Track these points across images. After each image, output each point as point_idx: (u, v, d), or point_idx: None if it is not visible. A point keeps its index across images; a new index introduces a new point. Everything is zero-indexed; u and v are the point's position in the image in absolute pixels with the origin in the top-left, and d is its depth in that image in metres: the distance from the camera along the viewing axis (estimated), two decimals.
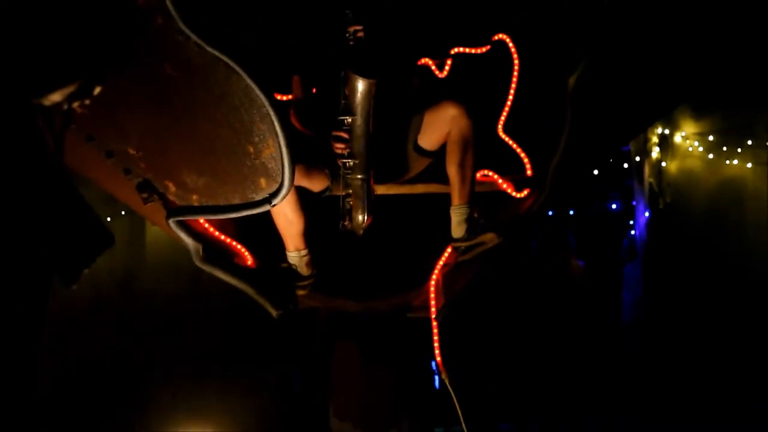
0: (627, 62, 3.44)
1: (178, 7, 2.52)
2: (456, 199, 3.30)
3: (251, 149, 2.69)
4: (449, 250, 3.45)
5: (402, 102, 3.39)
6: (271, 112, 2.61)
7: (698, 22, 3.50)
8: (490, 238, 3.29)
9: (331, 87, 3.16)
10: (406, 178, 3.47)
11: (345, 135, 3.11)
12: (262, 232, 3.30)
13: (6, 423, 2.21)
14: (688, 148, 6.55)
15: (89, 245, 2.59)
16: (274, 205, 2.79)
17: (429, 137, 3.33)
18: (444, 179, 3.33)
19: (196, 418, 4.82)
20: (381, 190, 3.37)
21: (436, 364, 3.40)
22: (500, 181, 3.51)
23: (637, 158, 6.62)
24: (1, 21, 2.13)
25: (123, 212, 5.52)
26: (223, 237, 3.24)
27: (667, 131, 6.56)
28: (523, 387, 5.02)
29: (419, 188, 3.51)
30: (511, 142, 3.58)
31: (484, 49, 3.72)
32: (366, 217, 3.17)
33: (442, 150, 3.31)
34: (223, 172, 2.77)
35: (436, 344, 3.40)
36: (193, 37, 2.54)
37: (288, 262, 3.32)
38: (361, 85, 3.05)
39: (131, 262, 5.76)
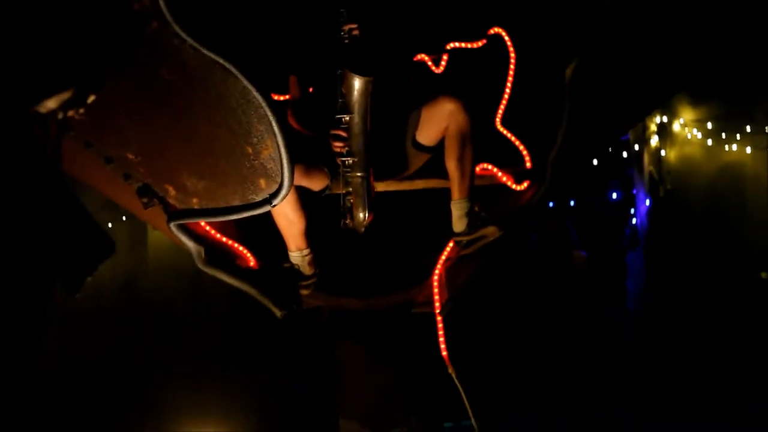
0: (624, 51, 3.44)
1: (174, 10, 2.52)
2: (456, 194, 3.30)
3: (250, 150, 2.69)
4: (451, 244, 3.45)
5: (399, 98, 3.39)
6: (269, 113, 2.61)
7: (694, 9, 3.50)
8: (491, 231, 3.30)
9: (328, 86, 3.17)
10: (405, 175, 3.47)
11: (343, 133, 3.11)
12: (263, 233, 3.30)
13: (6, 423, 2.21)
14: (686, 135, 6.54)
15: (90, 253, 2.59)
16: (275, 206, 2.79)
17: (427, 133, 3.33)
18: (443, 174, 3.33)
19: (197, 419, 4.83)
20: (381, 187, 3.37)
21: (443, 359, 3.40)
22: (500, 174, 3.51)
23: (636, 147, 6.62)
24: None
25: (124, 218, 5.52)
26: (224, 239, 3.25)
27: (665, 119, 6.55)
28: (523, 380, 5.01)
29: (419, 184, 3.51)
30: (509, 135, 3.58)
31: (480, 44, 3.72)
32: (367, 215, 3.17)
33: (440, 145, 3.31)
34: (222, 174, 2.77)
35: (441, 339, 3.40)
36: (189, 40, 2.54)
37: (290, 262, 3.33)
38: (357, 83, 3.05)
39: (133, 266, 5.76)
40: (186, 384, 5.00)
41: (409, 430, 3.89)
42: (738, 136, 6.41)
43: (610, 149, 6.60)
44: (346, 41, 3.19)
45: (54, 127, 2.27)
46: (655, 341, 5.81)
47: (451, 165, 3.27)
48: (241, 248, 3.30)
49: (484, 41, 3.71)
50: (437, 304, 3.42)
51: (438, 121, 3.27)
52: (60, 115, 2.24)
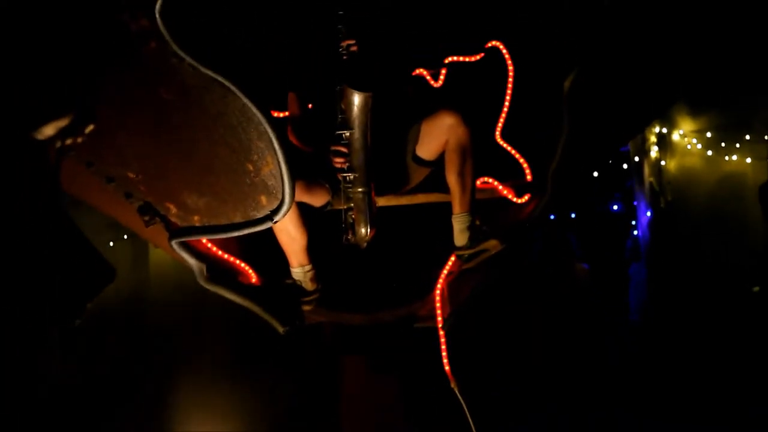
0: (622, 62, 3.45)
1: (172, 30, 2.53)
2: (457, 208, 3.30)
3: (250, 167, 2.69)
4: (453, 258, 3.45)
5: (399, 113, 3.40)
6: (269, 129, 2.62)
7: (691, 19, 3.51)
8: (493, 244, 3.30)
9: (327, 102, 3.17)
10: (406, 189, 3.48)
11: (344, 149, 3.11)
12: (265, 250, 3.30)
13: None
14: (686, 145, 6.55)
15: (90, 280, 2.57)
16: (276, 222, 2.79)
17: (427, 147, 3.33)
18: (444, 188, 3.34)
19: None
20: (382, 202, 3.37)
21: (445, 373, 3.39)
22: (500, 187, 3.52)
23: (636, 158, 6.62)
24: None
25: (125, 236, 5.52)
26: (226, 256, 3.25)
27: (665, 130, 6.56)
28: (524, 393, 4.99)
29: (420, 198, 3.51)
30: (509, 148, 3.59)
31: (478, 57, 3.73)
32: (369, 230, 3.17)
33: (441, 159, 3.32)
34: (223, 192, 2.77)
35: (444, 353, 3.40)
36: (188, 59, 2.55)
37: (292, 278, 3.32)
38: (357, 99, 3.06)
39: (136, 285, 5.76)
40: (189, 398, 5.00)
41: None
42: (738, 146, 6.42)
43: (610, 161, 6.61)
44: (345, 57, 3.20)
45: (53, 154, 2.26)
46: (656, 351, 5.79)
47: (452, 179, 3.27)
48: (243, 265, 3.30)
49: (482, 54, 3.72)
50: (440, 319, 3.41)
51: (438, 135, 3.27)
52: (59, 144, 2.24)
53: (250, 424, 4.83)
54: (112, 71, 2.60)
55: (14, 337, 2.21)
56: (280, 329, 3.21)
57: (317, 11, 3.35)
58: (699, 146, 6.51)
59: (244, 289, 3.20)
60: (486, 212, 3.38)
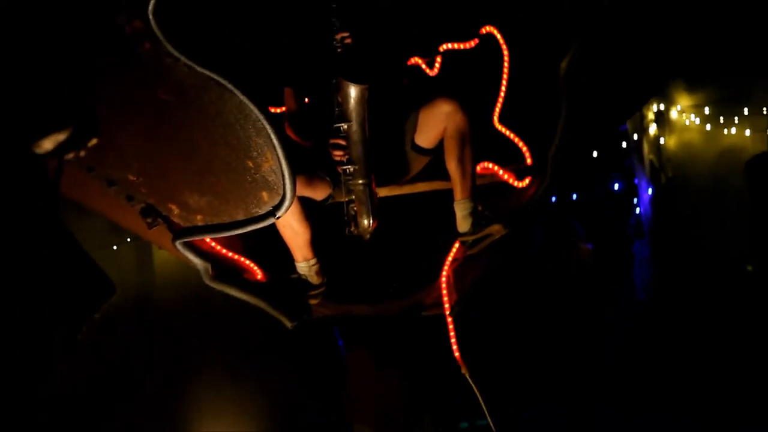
0: (617, 41, 3.44)
1: (165, 30, 2.53)
2: (458, 194, 3.31)
3: (250, 164, 2.70)
4: (457, 245, 3.45)
5: (396, 103, 3.40)
6: (267, 126, 2.62)
7: None
8: (496, 229, 3.30)
9: (324, 96, 3.17)
10: (407, 178, 3.48)
11: (342, 142, 3.11)
12: (269, 246, 3.31)
13: None
14: (685, 121, 6.54)
15: (89, 295, 2.57)
16: (279, 218, 2.80)
17: (426, 135, 3.33)
18: (445, 175, 3.34)
19: (207, 429, 4.86)
20: (383, 192, 3.38)
21: (455, 360, 3.40)
22: (501, 172, 3.52)
23: (635, 136, 6.61)
24: None
25: (129, 239, 5.53)
26: (230, 254, 3.25)
27: (662, 107, 6.55)
28: (530, 379, 4.99)
29: (421, 187, 3.51)
30: (508, 133, 3.58)
31: (472, 43, 3.72)
32: (371, 221, 3.18)
33: (440, 147, 3.32)
34: (224, 190, 2.77)
35: (453, 340, 3.41)
36: (183, 58, 2.55)
37: (298, 273, 3.33)
38: (353, 91, 3.06)
39: (141, 287, 5.77)
40: (195, 398, 5.02)
41: None
42: (736, 120, 6.41)
43: (609, 140, 6.60)
44: (339, 50, 3.20)
45: (52, 169, 2.25)
46: (664, 331, 5.79)
47: (452, 166, 3.27)
48: (247, 262, 3.30)
49: (477, 41, 3.71)
50: (446, 306, 3.42)
51: (436, 123, 3.27)
52: (59, 159, 2.22)
53: (258, 422, 4.85)
54: (109, 74, 2.60)
55: (14, 348, 2.21)
56: (288, 324, 3.22)
57: (311, 5, 3.34)
58: (697, 121, 6.50)
59: (250, 286, 3.21)
60: (487, 197, 3.38)
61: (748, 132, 6.39)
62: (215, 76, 2.57)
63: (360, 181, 3.15)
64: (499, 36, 3.61)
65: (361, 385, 3.95)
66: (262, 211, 2.78)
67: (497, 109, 3.60)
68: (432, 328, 3.52)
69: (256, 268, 3.31)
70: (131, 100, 2.68)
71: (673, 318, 5.89)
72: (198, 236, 2.95)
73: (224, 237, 3.09)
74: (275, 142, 2.63)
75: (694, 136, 6.55)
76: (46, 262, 2.31)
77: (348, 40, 3.20)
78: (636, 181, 6.77)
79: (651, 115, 6.58)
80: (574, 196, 6.73)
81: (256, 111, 2.61)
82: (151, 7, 2.49)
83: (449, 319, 3.41)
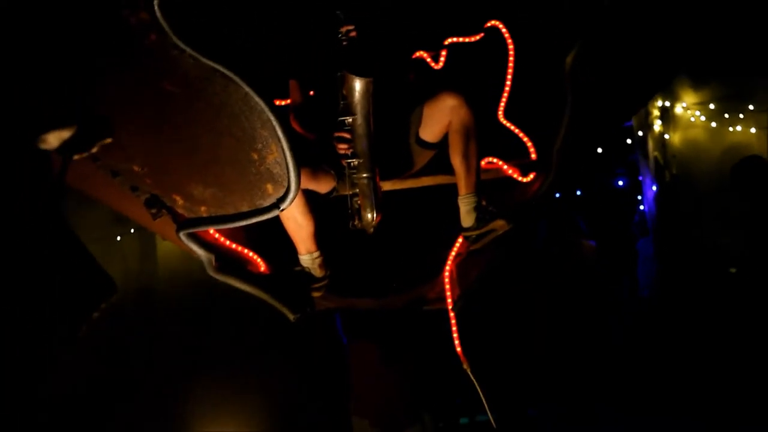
0: (623, 37, 3.43)
1: (171, 22, 2.53)
2: (463, 189, 3.30)
3: (255, 156, 2.70)
4: (460, 240, 3.45)
5: (400, 97, 3.40)
6: (272, 118, 2.62)
7: None
8: (500, 224, 3.30)
9: (329, 88, 3.17)
10: (411, 173, 3.48)
11: (347, 135, 3.12)
12: (273, 238, 3.31)
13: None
14: (690, 118, 6.50)
15: (90, 294, 2.55)
16: (283, 210, 2.80)
17: (430, 129, 3.33)
18: (449, 170, 3.34)
19: (211, 419, 4.86)
20: (387, 186, 3.38)
21: (456, 355, 3.40)
22: (505, 167, 3.51)
23: (640, 133, 6.58)
24: None
25: (132, 230, 5.53)
26: (234, 246, 3.26)
27: (667, 103, 6.52)
28: (524, 375, 4.99)
29: (425, 181, 3.51)
30: (512, 128, 3.58)
31: (477, 37, 3.71)
32: (375, 215, 3.18)
33: (444, 141, 3.32)
34: (229, 181, 2.78)
35: (455, 335, 3.41)
36: (188, 50, 2.55)
37: (301, 266, 3.33)
38: (358, 85, 3.06)
39: (144, 278, 5.77)
40: (199, 387, 5.03)
41: (423, 427, 3.89)
42: (741, 117, 6.38)
43: (613, 136, 6.58)
44: (344, 43, 3.20)
45: (57, 168, 2.23)
46: (666, 328, 5.78)
47: (456, 160, 3.27)
48: (251, 254, 3.30)
49: (482, 35, 3.70)
50: (449, 300, 3.42)
51: (440, 118, 3.27)
52: (63, 159, 2.20)
53: (258, 417, 4.86)
54: (114, 66, 2.60)
55: (14, 347, 2.21)
56: (291, 317, 3.22)
57: None
58: (702, 118, 6.47)
59: (254, 278, 3.21)
60: (491, 192, 3.38)
61: (753, 129, 6.36)
62: (220, 68, 2.57)
63: (364, 175, 3.15)
64: (504, 30, 3.60)
65: (362, 379, 3.95)
66: (266, 203, 2.78)
67: (502, 104, 3.59)
68: (434, 323, 3.53)
69: (259, 260, 3.32)
70: (137, 91, 2.68)
71: (675, 316, 5.88)
72: (202, 227, 2.95)
73: (228, 228, 3.10)
74: (280, 134, 2.63)
75: (699, 133, 6.52)
76: (46, 261, 2.30)
77: (353, 34, 3.20)
78: (640, 177, 6.75)
79: (656, 112, 6.55)
80: (578, 192, 6.73)
81: (261, 103, 2.61)
82: None
83: (452, 314, 3.41)
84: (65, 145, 2.16)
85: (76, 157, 2.20)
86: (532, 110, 3.53)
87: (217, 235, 3.19)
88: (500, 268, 3.48)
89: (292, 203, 2.79)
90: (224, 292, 3.24)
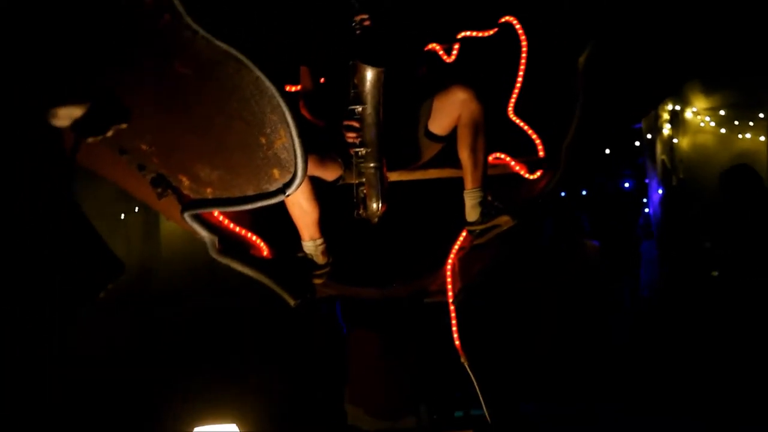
0: (636, 39, 3.43)
1: (185, 2, 2.53)
2: (469, 183, 3.30)
3: (263, 140, 2.70)
4: (464, 233, 3.45)
5: (411, 88, 3.39)
6: (282, 103, 2.62)
7: None
8: (504, 220, 3.30)
9: (340, 77, 3.17)
10: (418, 164, 3.48)
11: (356, 124, 3.12)
12: (277, 223, 3.31)
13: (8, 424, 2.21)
14: (699, 123, 6.49)
15: (97, 274, 2.55)
16: (288, 195, 2.80)
17: (440, 122, 3.33)
18: (456, 163, 3.34)
19: (213, 410, 4.85)
20: (394, 177, 3.38)
21: (454, 348, 3.41)
22: (513, 163, 3.51)
23: (649, 136, 6.57)
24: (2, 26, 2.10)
25: (137, 209, 5.55)
26: (238, 229, 3.26)
27: (678, 107, 6.51)
28: (525, 371, 5.00)
29: (432, 173, 3.51)
30: (522, 124, 3.57)
31: (491, 32, 3.71)
32: (380, 205, 3.18)
33: (453, 134, 3.31)
34: (236, 164, 2.78)
35: (454, 328, 3.41)
36: (201, 32, 2.55)
37: (304, 252, 3.34)
38: (369, 74, 3.06)
39: (147, 257, 5.79)
40: (198, 374, 5.03)
41: (418, 419, 3.90)
42: (751, 124, 6.37)
43: (622, 138, 6.57)
44: (358, 32, 3.20)
45: (68, 148, 2.22)
46: (665, 330, 5.78)
47: (464, 154, 3.27)
48: (254, 238, 3.31)
49: (496, 30, 3.69)
50: (450, 294, 3.42)
51: (450, 111, 3.27)
52: (76, 138, 2.19)
53: (258, 412, 4.87)
54: (128, 45, 2.60)
55: (16, 329, 2.21)
56: (291, 302, 3.23)
57: None
58: (712, 124, 6.46)
59: (256, 261, 3.22)
60: (498, 188, 3.38)
61: (762, 138, 6.35)
62: (233, 51, 2.57)
63: (371, 165, 3.16)
64: (518, 26, 3.60)
65: (359, 367, 3.96)
66: (272, 188, 2.78)
67: (512, 100, 3.59)
68: (436, 315, 3.53)
69: (262, 244, 3.32)
70: (148, 72, 2.68)
71: (675, 316, 5.88)
72: (207, 209, 2.96)
73: (233, 212, 3.10)
74: (289, 119, 2.63)
75: (707, 139, 6.50)
76: (55, 239, 2.30)
77: (367, 23, 3.20)
78: (647, 180, 6.74)
79: (666, 115, 6.53)
80: (584, 192, 6.73)
81: (272, 87, 2.61)
82: None
83: (452, 307, 3.41)
84: (77, 125, 2.15)
85: (90, 140, 2.19)
86: (541, 108, 3.53)
87: (221, 218, 3.19)
88: (504, 263, 3.48)
89: (298, 189, 2.79)
90: (226, 273, 3.24)
